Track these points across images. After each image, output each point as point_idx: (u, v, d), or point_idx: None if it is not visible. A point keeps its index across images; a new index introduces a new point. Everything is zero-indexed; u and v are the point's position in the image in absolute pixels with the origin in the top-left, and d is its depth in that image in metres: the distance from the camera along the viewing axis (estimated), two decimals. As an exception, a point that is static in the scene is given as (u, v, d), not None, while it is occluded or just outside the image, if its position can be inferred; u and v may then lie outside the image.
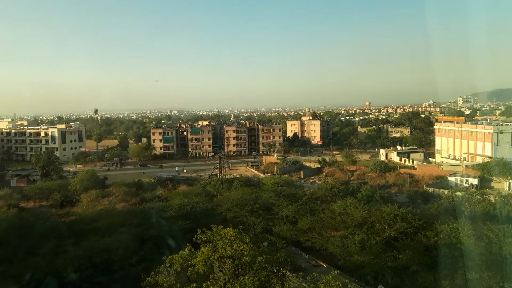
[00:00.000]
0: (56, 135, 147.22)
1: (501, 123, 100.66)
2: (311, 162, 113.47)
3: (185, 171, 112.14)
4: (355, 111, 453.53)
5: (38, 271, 30.36)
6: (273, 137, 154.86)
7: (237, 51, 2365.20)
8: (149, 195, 65.79)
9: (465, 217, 34.77)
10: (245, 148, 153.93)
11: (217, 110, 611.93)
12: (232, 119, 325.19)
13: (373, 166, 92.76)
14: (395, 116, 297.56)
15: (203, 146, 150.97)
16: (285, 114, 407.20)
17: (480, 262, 26.93)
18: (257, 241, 24.75)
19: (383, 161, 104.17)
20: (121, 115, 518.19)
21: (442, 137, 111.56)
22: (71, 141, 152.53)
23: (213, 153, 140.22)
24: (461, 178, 76.20)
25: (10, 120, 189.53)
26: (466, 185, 71.34)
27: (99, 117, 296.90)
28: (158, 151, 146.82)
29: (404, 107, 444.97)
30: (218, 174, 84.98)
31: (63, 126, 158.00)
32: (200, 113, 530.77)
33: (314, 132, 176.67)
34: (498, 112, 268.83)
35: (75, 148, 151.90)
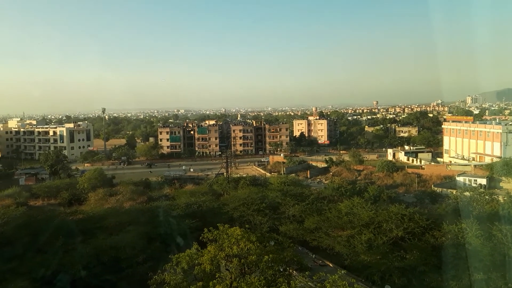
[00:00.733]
0: (65, 134, 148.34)
1: (510, 123, 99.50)
2: (318, 162, 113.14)
3: (192, 170, 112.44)
4: (363, 110, 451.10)
5: (47, 269, 30.68)
6: (280, 136, 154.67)
7: (244, 50, 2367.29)
8: (156, 194, 66.06)
9: (473, 217, 34.50)
10: (251, 148, 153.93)
11: (224, 110, 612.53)
12: (239, 118, 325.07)
13: (381, 165, 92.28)
14: (403, 116, 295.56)
15: (210, 146, 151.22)
16: (292, 114, 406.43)
17: (489, 262, 26.71)
18: (264, 240, 24.76)
19: (390, 161, 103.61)
20: (129, 115, 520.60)
21: (450, 136, 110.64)
22: (79, 140, 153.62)
23: (220, 153, 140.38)
24: (470, 178, 75.56)
25: (19, 119, 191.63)
26: (474, 185, 70.68)
27: (107, 117, 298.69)
28: (165, 150, 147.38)
29: (412, 107, 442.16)
30: (225, 173, 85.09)
31: (71, 125, 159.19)
32: (207, 112, 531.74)
33: (321, 131, 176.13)
34: (507, 111, 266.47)
35: (83, 147, 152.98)
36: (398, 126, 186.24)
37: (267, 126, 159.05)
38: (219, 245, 22.44)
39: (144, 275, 25.30)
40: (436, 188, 70.52)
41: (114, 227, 41.35)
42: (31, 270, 30.20)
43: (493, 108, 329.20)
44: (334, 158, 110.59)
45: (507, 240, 28.85)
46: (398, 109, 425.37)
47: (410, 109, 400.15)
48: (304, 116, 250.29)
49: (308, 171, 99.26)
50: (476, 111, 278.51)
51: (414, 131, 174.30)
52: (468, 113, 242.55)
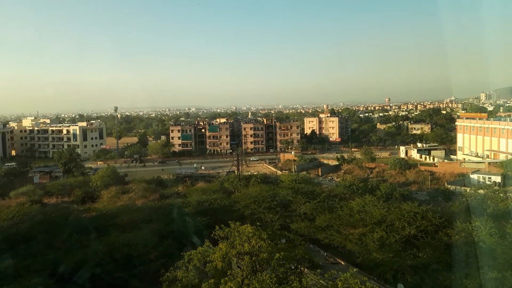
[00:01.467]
0: (78, 132, 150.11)
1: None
2: (329, 159, 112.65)
3: (203, 168, 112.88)
4: (375, 107, 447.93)
5: (61, 266, 31.11)
6: (291, 134, 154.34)
7: (255, 48, 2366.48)
8: (168, 192, 66.48)
9: (487, 215, 33.96)
10: (262, 145, 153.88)
11: (234, 108, 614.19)
12: (249, 116, 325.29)
13: (393, 163, 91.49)
14: (415, 113, 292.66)
15: (221, 143, 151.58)
16: (303, 111, 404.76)
17: (502, 261, 26.34)
18: (275, 238, 24.76)
19: (403, 159, 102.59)
20: (141, 113, 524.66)
21: (464, 134, 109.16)
22: (92, 138, 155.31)
23: (231, 150, 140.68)
24: (484, 175, 74.43)
25: (33, 118, 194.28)
26: (488, 182, 69.56)
27: (119, 115, 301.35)
28: (177, 148, 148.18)
29: (425, 104, 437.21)
30: (236, 171, 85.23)
31: (84, 123, 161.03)
32: (218, 110, 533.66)
33: (332, 129, 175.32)
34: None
35: (96, 145, 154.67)
36: (410, 123, 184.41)
37: (277, 123, 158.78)
38: (230, 242, 22.49)
39: (157, 272, 25.49)
40: (449, 186, 69.65)
41: (126, 224, 41.75)
42: (45, 267, 30.65)
43: (507, 105, 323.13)
44: (345, 155, 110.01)
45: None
46: (410, 106, 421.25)
47: (423, 106, 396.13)
48: (315, 114, 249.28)
49: (319, 169, 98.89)
50: (490, 108, 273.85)
51: (427, 128, 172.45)
52: (482, 109, 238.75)
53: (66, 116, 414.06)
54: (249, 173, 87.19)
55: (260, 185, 60.99)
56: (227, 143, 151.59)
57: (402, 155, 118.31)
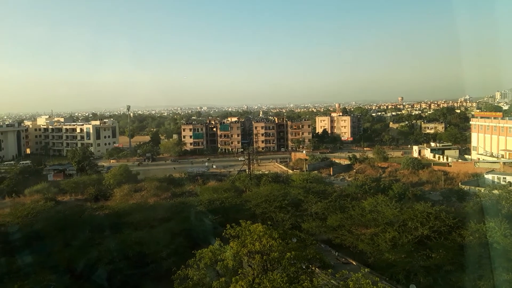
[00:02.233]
0: (91, 131, 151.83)
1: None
2: (341, 159, 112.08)
3: (214, 166, 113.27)
4: (387, 106, 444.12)
5: (74, 263, 31.51)
6: (302, 133, 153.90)
7: (266, 47, 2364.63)
8: (179, 190, 66.92)
9: (502, 216, 33.43)
10: (273, 144, 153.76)
11: (246, 107, 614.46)
12: (261, 115, 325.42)
13: (406, 163, 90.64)
14: (429, 112, 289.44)
15: (232, 142, 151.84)
16: (315, 110, 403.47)
17: (518, 262, 25.92)
18: (286, 237, 24.70)
19: (416, 158, 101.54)
20: (153, 112, 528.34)
21: (478, 133, 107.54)
22: (105, 137, 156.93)
23: (242, 149, 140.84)
24: (499, 175, 73.25)
25: (47, 116, 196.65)
26: (503, 183, 68.41)
27: (131, 114, 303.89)
28: (189, 147, 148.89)
29: (439, 102, 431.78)
30: (247, 170, 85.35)
31: (97, 122, 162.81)
32: (229, 109, 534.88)
33: (344, 128, 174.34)
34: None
35: (109, 143, 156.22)
36: (424, 123, 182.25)
37: (289, 122, 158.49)
38: (241, 241, 22.51)
39: (168, 270, 25.63)
40: (463, 186, 68.72)
41: (138, 222, 42.09)
42: (59, 264, 31.06)
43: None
44: (357, 155, 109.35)
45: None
46: (424, 105, 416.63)
47: (436, 105, 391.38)
48: (327, 113, 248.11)
49: (331, 168, 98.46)
50: (506, 107, 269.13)
51: (440, 127, 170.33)
52: (497, 108, 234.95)
53: (79, 115, 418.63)
54: (260, 172, 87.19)
55: (271, 184, 60.94)
56: (238, 142, 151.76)
57: (415, 154, 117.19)
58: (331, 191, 55.38)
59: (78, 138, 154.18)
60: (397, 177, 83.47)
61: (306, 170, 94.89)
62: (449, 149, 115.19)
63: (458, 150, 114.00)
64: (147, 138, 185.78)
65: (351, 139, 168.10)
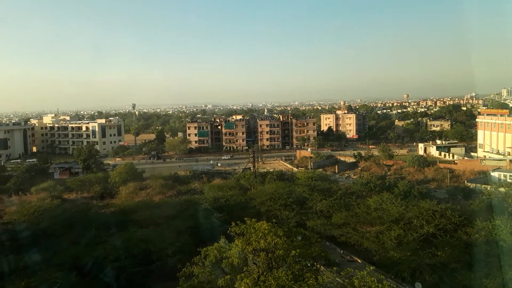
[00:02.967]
0: (97, 129, 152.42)
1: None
2: (346, 157, 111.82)
3: (219, 164, 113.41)
4: (393, 104, 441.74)
5: (80, 260, 31.71)
6: (307, 131, 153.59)
7: (271, 45, 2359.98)
8: (185, 188, 67.08)
9: (508, 214, 33.24)
10: (278, 142, 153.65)
11: (251, 105, 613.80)
12: (265, 113, 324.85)
13: (411, 160, 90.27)
14: (434, 109, 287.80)
15: (237, 140, 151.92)
16: (320, 108, 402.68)
17: (524, 261, 25.76)
18: (291, 235, 24.73)
19: (421, 156, 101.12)
20: (158, 110, 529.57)
21: (484, 130, 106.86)
22: (110, 135, 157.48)
23: (247, 147, 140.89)
24: (505, 173, 72.77)
25: (53, 115, 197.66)
26: (510, 180, 68.05)
27: (137, 112, 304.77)
28: (194, 145, 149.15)
29: (445, 100, 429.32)
30: (252, 168, 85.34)
31: (103, 120, 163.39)
32: (234, 107, 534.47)
33: (349, 126, 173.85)
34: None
35: (114, 142, 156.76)
36: (429, 120, 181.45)
37: (294, 120, 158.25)
38: (246, 239, 22.56)
39: (174, 268, 25.74)
40: (469, 184, 68.37)
41: (144, 220, 42.26)
42: (65, 261, 31.27)
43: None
44: (363, 152, 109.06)
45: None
46: (429, 102, 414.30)
47: (442, 102, 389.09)
48: (332, 110, 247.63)
49: (336, 166, 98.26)
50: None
51: (446, 125, 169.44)
52: (504, 106, 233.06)
53: (85, 113, 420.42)
54: (265, 170, 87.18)
55: (276, 182, 60.89)
56: (243, 140, 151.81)
57: (421, 152, 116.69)
58: (336, 189, 55.25)
59: (84, 136, 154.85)
60: (403, 175, 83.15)
61: (311, 168, 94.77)
62: (455, 146, 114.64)
63: (464, 148, 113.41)
64: (152, 136, 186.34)
65: (356, 136, 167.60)
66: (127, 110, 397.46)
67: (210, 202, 48.32)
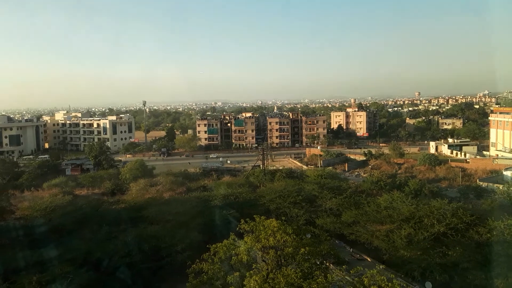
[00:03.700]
0: (108, 126, 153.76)
1: None
2: (356, 155, 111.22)
3: (229, 162, 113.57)
4: (404, 102, 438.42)
5: (91, 255, 32.03)
6: (317, 128, 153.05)
7: (281, 42, 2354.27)
8: (194, 185, 67.26)
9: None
10: (288, 140, 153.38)
11: (260, 102, 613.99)
12: (275, 110, 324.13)
13: (422, 159, 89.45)
14: (446, 107, 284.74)
15: (246, 138, 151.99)
16: (330, 106, 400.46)
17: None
18: (300, 233, 24.69)
19: (433, 154, 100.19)
20: (168, 107, 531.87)
21: (497, 129, 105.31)
22: (121, 132, 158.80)
23: (256, 145, 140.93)
24: (518, 172, 71.81)
25: (65, 112, 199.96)
26: (523, 180, 67.14)
27: (147, 109, 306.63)
28: (203, 142, 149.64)
29: (457, 98, 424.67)
30: (261, 166, 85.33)
31: (114, 117, 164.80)
32: (244, 104, 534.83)
33: (359, 123, 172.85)
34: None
35: (125, 138, 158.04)
36: (441, 118, 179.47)
37: (303, 118, 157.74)
38: (255, 236, 22.58)
39: (183, 264, 25.88)
40: (481, 183, 67.55)
41: (154, 216, 42.54)
42: (76, 257, 31.60)
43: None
44: (373, 151, 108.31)
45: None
46: (441, 100, 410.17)
47: (454, 100, 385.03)
48: (342, 108, 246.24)
49: (346, 164, 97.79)
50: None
51: (458, 123, 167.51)
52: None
53: (96, 110, 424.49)
54: (274, 167, 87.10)
55: (286, 180, 60.81)
56: (252, 138, 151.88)
57: (432, 150, 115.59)
58: (346, 187, 55.01)
59: (95, 133, 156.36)
60: (413, 173, 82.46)
61: (321, 166, 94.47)
62: (467, 145, 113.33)
63: (476, 146, 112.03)
64: (162, 133, 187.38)
65: (366, 134, 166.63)
66: (138, 107, 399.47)
67: (220, 199, 48.44)
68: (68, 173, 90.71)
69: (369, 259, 31.61)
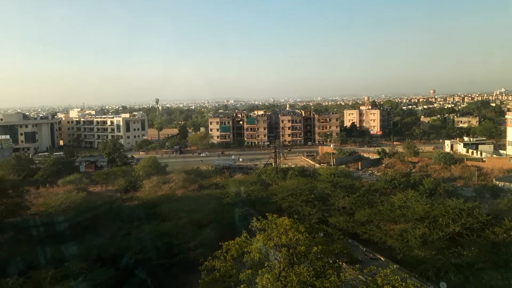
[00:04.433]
0: (121, 123, 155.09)
1: None
2: (370, 153, 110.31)
3: (241, 159, 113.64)
4: (418, 100, 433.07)
5: (105, 252, 32.35)
6: (330, 126, 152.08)
7: (294, 40, 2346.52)
8: (207, 182, 67.47)
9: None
10: (300, 138, 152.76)
11: (272, 100, 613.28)
12: (287, 108, 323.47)
13: (437, 158, 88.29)
14: (462, 105, 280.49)
15: (258, 136, 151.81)
16: (343, 103, 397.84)
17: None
18: (313, 232, 24.56)
19: (448, 153, 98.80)
20: (181, 105, 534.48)
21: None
22: (134, 129, 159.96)
23: (268, 143, 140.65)
24: (536, 172, 70.43)
25: (79, 109, 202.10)
26: (541, 179, 65.78)
27: (160, 107, 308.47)
28: (215, 140, 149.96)
29: (473, 96, 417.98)
30: (273, 164, 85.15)
31: (127, 115, 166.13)
32: (256, 102, 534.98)
33: (373, 122, 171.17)
34: None
35: (138, 136, 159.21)
36: (457, 116, 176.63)
37: (316, 116, 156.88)
38: (268, 234, 22.51)
39: (195, 261, 25.94)
40: (497, 182, 66.41)
41: (167, 213, 42.79)
42: (90, 253, 31.96)
43: None
44: (387, 149, 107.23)
45: None
46: (457, 98, 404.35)
47: (470, 98, 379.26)
48: (355, 106, 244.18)
49: (359, 163, 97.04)
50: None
51: (474, 121, 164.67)
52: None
53: (110, 107, 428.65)
54: (286, 165, 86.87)
55: (298, 178, 60.60)
56: (264, 136, 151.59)
57: (447, 149, 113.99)
58: (359, 185, 54.67)
59: (109, 130, 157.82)
60: (428, 172, 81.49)
61: (334, 164, 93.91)
62: (483, 144, 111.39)
63: (492, 145, 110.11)
64: (175, 131, 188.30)
65: (380, 133, 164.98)
66: (151, 105, 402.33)
67: (232, 197, 48.53)
68: (82, 170, 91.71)
69: (382, 259, 31.31)
